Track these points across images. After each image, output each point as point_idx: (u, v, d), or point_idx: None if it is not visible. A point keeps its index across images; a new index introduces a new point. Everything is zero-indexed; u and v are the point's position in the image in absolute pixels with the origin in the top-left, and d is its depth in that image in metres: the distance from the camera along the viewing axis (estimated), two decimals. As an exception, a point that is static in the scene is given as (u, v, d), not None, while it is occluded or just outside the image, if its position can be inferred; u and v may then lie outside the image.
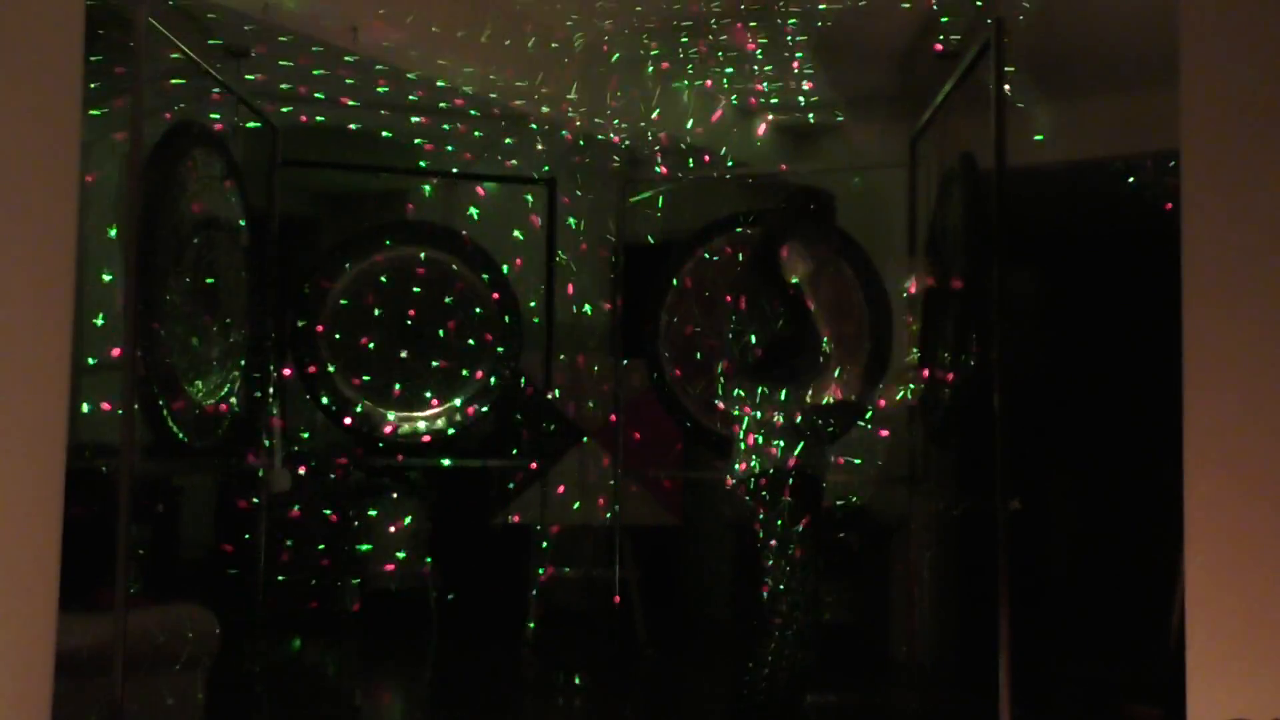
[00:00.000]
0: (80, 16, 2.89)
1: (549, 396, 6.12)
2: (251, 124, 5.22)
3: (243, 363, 4.80)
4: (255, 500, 5.40)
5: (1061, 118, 5.74)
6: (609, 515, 6.01)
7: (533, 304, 6.32)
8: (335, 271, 5.91)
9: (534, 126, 6.20)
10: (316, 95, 5.79)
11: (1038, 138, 5.62)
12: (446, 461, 6.09)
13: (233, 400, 4.70)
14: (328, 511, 6.34)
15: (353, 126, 6.27)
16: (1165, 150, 3.77)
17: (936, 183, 5.04)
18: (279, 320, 5.56)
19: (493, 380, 5.98)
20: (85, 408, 5.38)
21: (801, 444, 3.89)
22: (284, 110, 5.83)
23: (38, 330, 2.79)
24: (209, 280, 4.46)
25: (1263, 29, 2.73)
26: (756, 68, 5.57)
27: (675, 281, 5.86)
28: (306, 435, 6.48)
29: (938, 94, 4.77)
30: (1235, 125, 2.75)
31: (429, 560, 6.45)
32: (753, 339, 3.95)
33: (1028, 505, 3.78)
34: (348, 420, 5.80)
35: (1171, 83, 2.81)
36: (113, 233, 4.97)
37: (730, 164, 6.33)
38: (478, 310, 6.00)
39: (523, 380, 6.13)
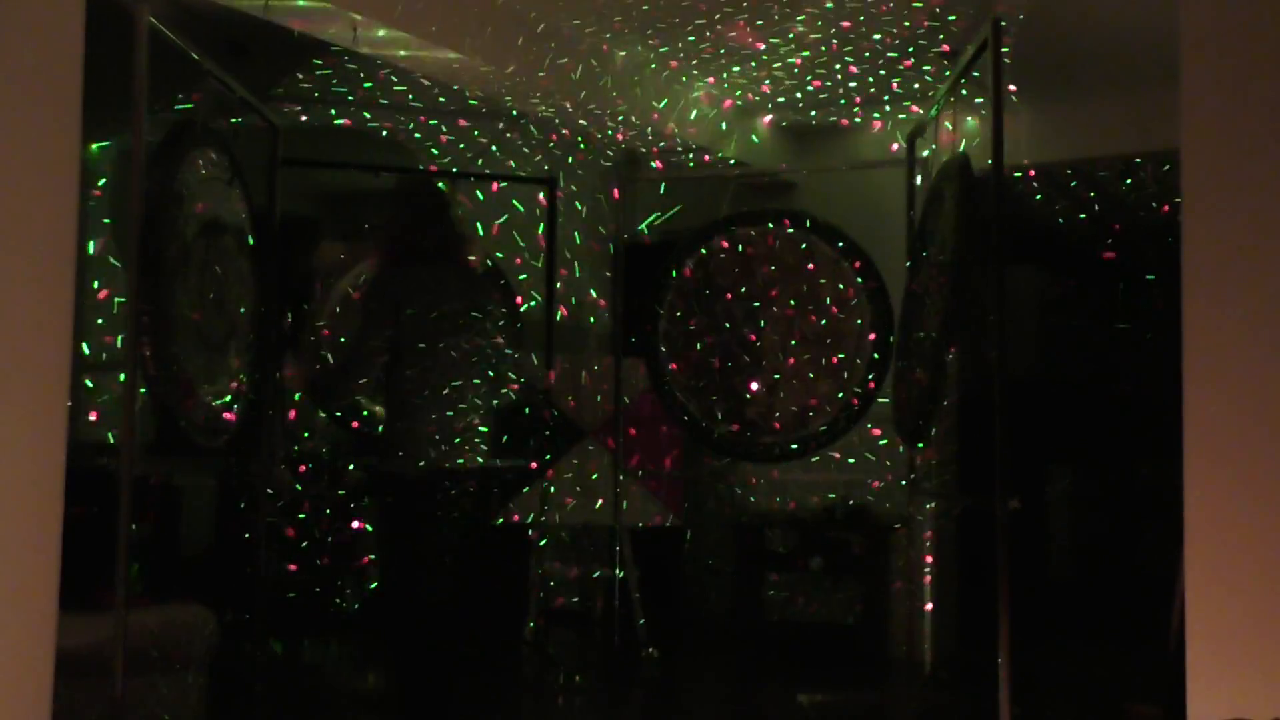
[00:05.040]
0: (80, 16, 2.89)
1: (540, 398, 6.10)
2: (251, 124, 5.21)
3: (247, 364, 4.79)
4: (255, 500, 5.39)
5: (1061, 117, 5.74)
6: (609, 515, 6.00)
7: (533, 304, 6.31)
8: (337, 272, 5.89)
9: (534, 125, 6.21)
10: (316, 95, 5.81)
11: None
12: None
13: (237, 402, 4.69)
14: (328, 511, 6.33)
15: (346, 124, 6.27)
16: (1165, 150, 3.77)
17: (929, 183, 5.02)
18: (282, 321, 5.54)
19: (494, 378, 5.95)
20: (87, 408, 5.39)
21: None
22: (284, 110, 5.83)
23: (38, 330, 2.79)
24: (214, 281, 4.45)
25: (1263, 29, 2.73)
26: (757, 65, 5.57)
27: (675, 278, 5.84)
28: (308, 435, 6.48)
29: (937, 93, 4.77)
30: (1235, 125, 2.75)
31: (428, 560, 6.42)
32: None
33: (1027, 505, 3.78)
34: (351, 422, 5.79)
35: (1171, 83, 2.81)
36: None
37: (731, 162, 6.33)
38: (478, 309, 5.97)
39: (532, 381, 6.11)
